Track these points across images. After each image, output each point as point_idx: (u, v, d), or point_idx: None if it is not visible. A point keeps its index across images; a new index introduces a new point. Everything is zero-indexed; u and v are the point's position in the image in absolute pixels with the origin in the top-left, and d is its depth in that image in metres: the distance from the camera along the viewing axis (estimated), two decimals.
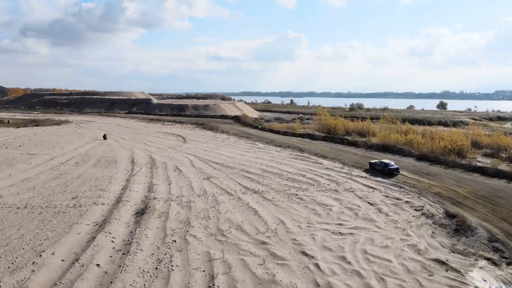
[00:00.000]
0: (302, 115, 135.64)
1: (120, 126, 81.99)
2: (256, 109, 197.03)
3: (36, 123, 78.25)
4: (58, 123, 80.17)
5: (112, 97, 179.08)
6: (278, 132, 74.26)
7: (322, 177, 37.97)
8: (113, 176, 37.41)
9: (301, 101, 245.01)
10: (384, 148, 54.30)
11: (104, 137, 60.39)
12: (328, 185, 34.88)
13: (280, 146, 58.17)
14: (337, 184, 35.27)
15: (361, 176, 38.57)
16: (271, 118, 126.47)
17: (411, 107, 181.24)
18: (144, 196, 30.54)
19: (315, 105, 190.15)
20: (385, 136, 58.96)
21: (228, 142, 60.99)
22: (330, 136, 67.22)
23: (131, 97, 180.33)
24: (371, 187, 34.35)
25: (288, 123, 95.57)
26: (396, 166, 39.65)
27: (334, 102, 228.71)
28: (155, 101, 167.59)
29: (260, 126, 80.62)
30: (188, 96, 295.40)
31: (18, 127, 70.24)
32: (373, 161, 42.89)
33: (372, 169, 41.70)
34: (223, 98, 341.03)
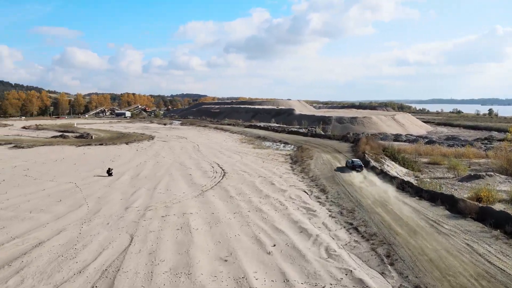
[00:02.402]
0: (494, 133, 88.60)
1: (195, 149, 63.66)
2: (429, 122, 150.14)
3: (111, 140, 69.13)
4: (136, 139, 68.18)
5: (256, 107, 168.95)
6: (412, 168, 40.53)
7: None
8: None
9: (507, 111, 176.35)
10: None
11: (109, 172, 39.43)
12: None
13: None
14: None
15: None
16: (440, 138, 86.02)
17: None
18: None
19: None
20: None
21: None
22: None
23: (275, 107, 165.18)
24: None
25: (458, 148, 58.63)
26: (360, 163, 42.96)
27: None
28: (297, 112, 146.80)
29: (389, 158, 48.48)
30: (354, 106, 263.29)
31: (78, 146, 61.22)
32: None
33: None
34: (401, 106, 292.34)
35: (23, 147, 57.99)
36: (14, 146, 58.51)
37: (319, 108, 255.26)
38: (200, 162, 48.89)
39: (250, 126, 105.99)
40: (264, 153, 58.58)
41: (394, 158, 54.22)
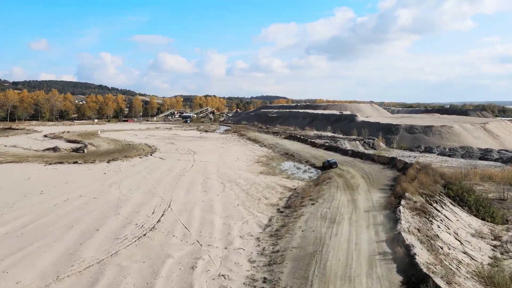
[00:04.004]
0: None
1: (177, 175, 49.46)
2: None
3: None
4: (130, 155, 55.98)
5: (316, 112, 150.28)
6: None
7: None
8: None
9: None
10: None
11: None
12: None
13: None
14: None
15: None
16: None
17: None
18: None
19: None
20: None
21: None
22: None
23: (336, 113, 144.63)
24: None
25: None
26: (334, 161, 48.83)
27: None
28: (359, 118, 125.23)
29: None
30: (440, 110, 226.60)
31: (49, 164, 51.31)
32: None
33: None
34: (503, 109, 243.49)
35: None
36: None
37: (397, 112, 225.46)
38: (148, 200, 34.69)
39: (289, 137, 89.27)
40: (265, 183, 42.51)
41: (461, 199, 34.95)
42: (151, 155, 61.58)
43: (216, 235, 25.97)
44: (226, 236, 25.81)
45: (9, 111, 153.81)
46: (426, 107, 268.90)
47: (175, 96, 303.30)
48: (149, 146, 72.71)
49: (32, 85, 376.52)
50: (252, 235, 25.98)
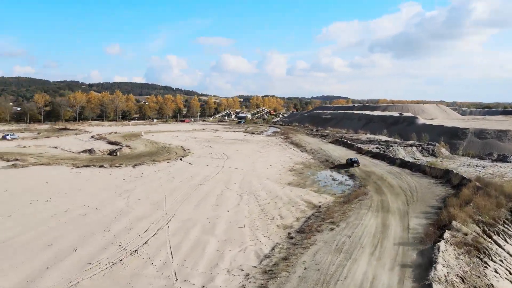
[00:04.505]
0: None
1: (196, 184, 45.52)
2: None
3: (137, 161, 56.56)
4: (157, 160, 53.75)
5: (371, 114, 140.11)
6: None
7: None
8: None
9: None
10: None
11: None
12: None
13: None
14: None
15: None
16: None
17: None
18: None
19: None
20: None
21: None
22: None
23: (394, 114, 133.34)
24: None
25: None
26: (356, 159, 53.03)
27: None
28: (420, 121, 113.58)
29: None
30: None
31: (77, 167, 51.16)
32: None
33: None
34: None
35: (16, 167, 50.90)
36: (13, 165, 51.87)
37: (469, 113, 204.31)
38: (150, 214, 31.59)
39: (335, 141, 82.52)
40: (288, 197, 37.76)
41: None
42: (180, 159, 59.26)
43: (200, 266, 21.77)
44: (211, 269, 21.49)
45: (77, 112, 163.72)
46: (505, 108, 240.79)
47: (232, 97, 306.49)
48: (184, 149, 70.82)
49: (105, 87, 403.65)
50: (242, 270, 21.37)
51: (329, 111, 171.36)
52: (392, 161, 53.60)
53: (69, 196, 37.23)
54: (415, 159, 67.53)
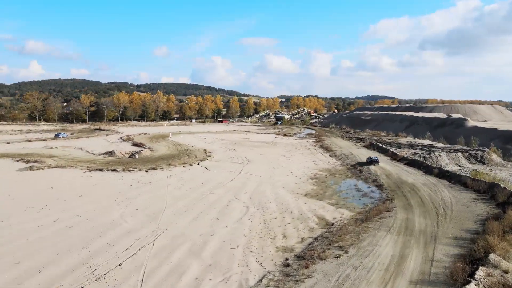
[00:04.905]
0: None
1: (202, 196, 42.27)
2: None
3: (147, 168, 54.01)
4: (175, 164, 51.33)
5: (415, 115, 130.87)
6: None
7: None
8: None
9: None
10: None
11: None
12: None
13: None
14: None
15: None
16: None
17: None
18: None
19: None
20: None
21: None
22: None
23: (441, 116, 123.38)
24: None
25: None
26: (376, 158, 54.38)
27: None
28: (470, 123, 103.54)
29: None
30: None
31: (90, 170, 50.06)
32: None
33: None
34: None
35: (32, 169, 50.79)
36: (30, 167, 51.85)
37: None
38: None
39: (369, 146, 76.40)
40: (300, 211, 33.74)
41: None
42: (198, 164, 56.64)
43: None
44: None
45: (120, 112, 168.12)
46: None
47: (273, 97, 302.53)
48: (205, 152, 68.29)
49: (152, 88, 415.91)
50: None
51: (369, 112, 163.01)
52: (429, 170, 47.44)
53: (67, 203, 35.51)
54: (460, 166, 60.35)
